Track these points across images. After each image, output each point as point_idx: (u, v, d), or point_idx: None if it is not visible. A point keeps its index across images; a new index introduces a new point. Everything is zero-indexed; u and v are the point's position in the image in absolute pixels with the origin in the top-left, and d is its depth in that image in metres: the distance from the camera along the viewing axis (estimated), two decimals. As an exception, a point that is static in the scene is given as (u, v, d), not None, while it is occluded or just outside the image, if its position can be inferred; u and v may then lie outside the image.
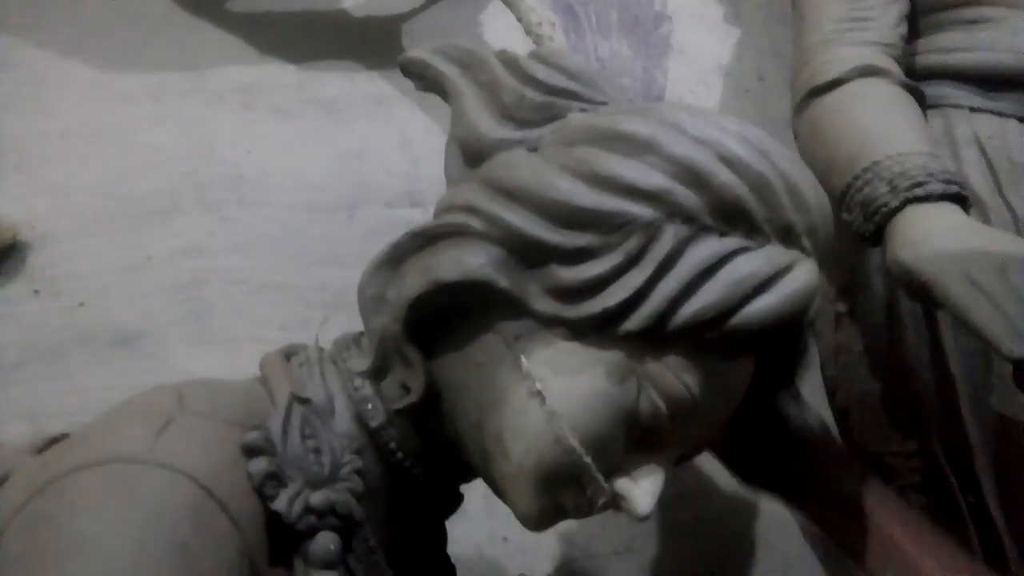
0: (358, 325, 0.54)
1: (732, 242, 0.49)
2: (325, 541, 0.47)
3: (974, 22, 0.81)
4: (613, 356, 0.49)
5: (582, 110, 0.54)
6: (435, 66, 0.56)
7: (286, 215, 0.85)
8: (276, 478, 0.46)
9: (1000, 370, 0.74)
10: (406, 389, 0.53)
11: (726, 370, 0.51)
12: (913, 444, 0.80)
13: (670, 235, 0.48)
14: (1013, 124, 0.78)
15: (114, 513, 0.40)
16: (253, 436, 0.46)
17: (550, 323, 0.49)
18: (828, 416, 0.88)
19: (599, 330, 0.49)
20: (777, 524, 0.91)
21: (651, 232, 0.48)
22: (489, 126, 0.53)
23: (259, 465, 0.46)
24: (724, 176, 0.49)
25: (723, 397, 0.52)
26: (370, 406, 0.53)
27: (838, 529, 0.62)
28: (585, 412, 0.49)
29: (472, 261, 0.49)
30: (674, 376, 0.49)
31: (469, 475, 0.57)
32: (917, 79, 0.78)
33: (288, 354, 0.57)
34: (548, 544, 0.83)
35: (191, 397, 0.48)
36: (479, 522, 0.78)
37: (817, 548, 0.91)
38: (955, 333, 0.76)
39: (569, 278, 0.49)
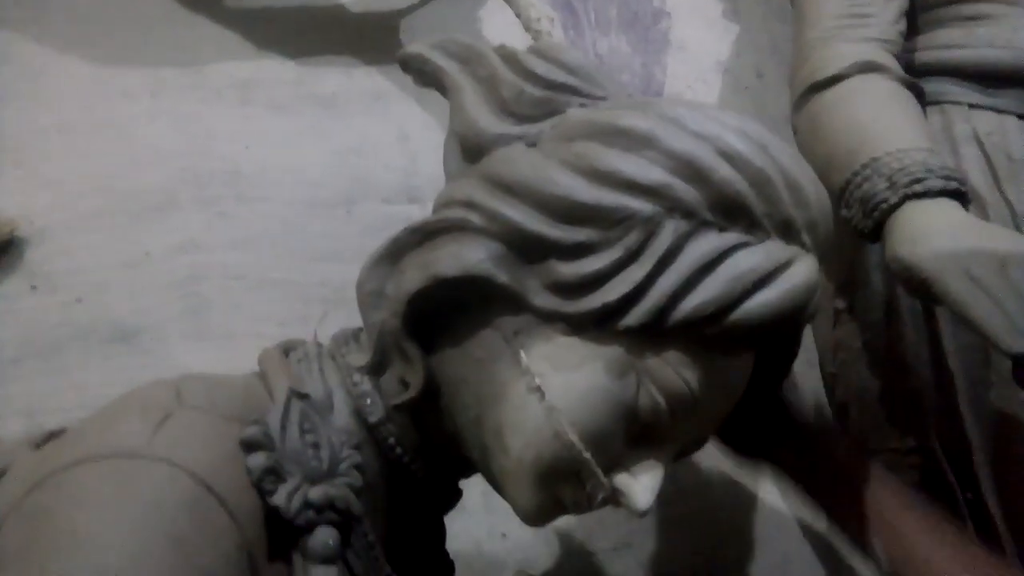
0: (357, 321, 0.54)
1: (732, 237, 0.49)
2: (324, 536, 0.46)
3: (973, 18, 0.81)
4: (612, 351, 0.49)
5: (581, 105, 0.53)
6: (434, 61, 0.56)
7: (284, 211, 0.85)
8: (275, 473, 0.46)
9: (999, 366, 0.74)
10: (405, 384, 0.53)
11: (725, 365, 0.51)
12: (912, 440, 0.80)
13: (670, 230, 0.48)
14: (1012, 121, 0.78)
15: (112, 507, 0.40)
16: (252, 431, 0.46)
17: (549, 318, 0.49)
18: (827, 415, 0.88)
19: (598, 325, 0.49)
20: (776, 520, 0.91)
21: (651, 227, 0.48)
22: (488, 121, 0.53)
23: (258, 460, 0.46)
24: (724, 171, 0.48)
25: (722, 392, 0.52)
26: (369, 401, 0.53)
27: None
28: (584, 407, 0.49)
29: (471, 256, 0.49)
30: (673, 371, 0.49)
31: (468, 471, 0.57)
32: (916, 75, 0.78)
33: (287, 349, 0.56)
34: (547, 540, 0.83)
35: (189, 392, 0.48)
36: (478, 518, 0.78)
37: (815, 543, 0.91)
38: (954, 329, 0.76)
39: (568, 273, 0.48)
